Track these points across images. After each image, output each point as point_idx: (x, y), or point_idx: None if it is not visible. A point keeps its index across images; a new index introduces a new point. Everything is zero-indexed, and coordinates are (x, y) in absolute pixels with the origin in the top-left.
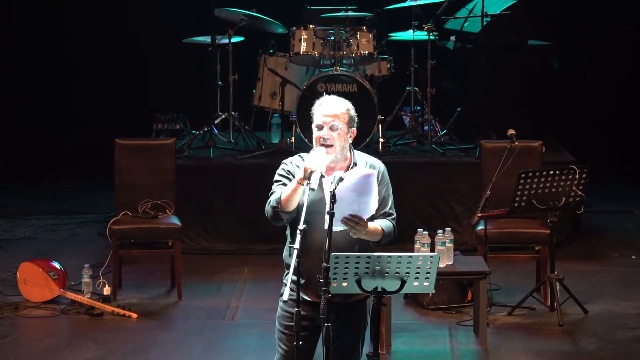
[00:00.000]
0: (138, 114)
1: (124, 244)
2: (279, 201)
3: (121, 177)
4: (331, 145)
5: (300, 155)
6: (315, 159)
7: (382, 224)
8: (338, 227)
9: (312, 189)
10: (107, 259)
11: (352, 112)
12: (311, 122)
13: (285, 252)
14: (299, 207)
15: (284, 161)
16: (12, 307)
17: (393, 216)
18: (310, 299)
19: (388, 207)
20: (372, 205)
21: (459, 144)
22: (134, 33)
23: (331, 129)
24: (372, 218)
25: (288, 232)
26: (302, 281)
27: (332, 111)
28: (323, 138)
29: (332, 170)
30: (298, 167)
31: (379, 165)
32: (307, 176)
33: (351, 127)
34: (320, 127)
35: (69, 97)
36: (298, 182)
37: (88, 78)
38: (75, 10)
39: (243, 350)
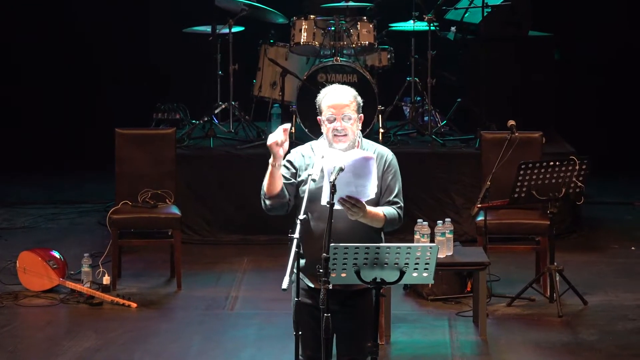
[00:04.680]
0: (138, 104)
1: (123, 234)
2: (263, 189)
3: (121, 167)
4: (345, 135)
5: (310, 145)
6: (333, 158)
7: (384, 210)
8: (336, 207)
9: (314, 180)
10: (107, 249)
11: (359, 98)
12: (317, 113)
13: None
14: (299, 198)
15: (292, 149)
16: (11, 296)
17: (399, 205)
18: (314, 286)
19: (393, 195)
20: (371, 190)
21: (459, 134)
22: (135, 22)
23: (343, 119)
24: (376, 205)
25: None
26: (305, 269)
27: (342, 101)
28: (337, 130)
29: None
30: (303, 155)
31: (387, 153)
32: (276, 157)
33: (359, 114)
34: (332, 119)
35: (68, 87)
36: (270, 164)
37: (87, 68)
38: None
39: (242, 340)
